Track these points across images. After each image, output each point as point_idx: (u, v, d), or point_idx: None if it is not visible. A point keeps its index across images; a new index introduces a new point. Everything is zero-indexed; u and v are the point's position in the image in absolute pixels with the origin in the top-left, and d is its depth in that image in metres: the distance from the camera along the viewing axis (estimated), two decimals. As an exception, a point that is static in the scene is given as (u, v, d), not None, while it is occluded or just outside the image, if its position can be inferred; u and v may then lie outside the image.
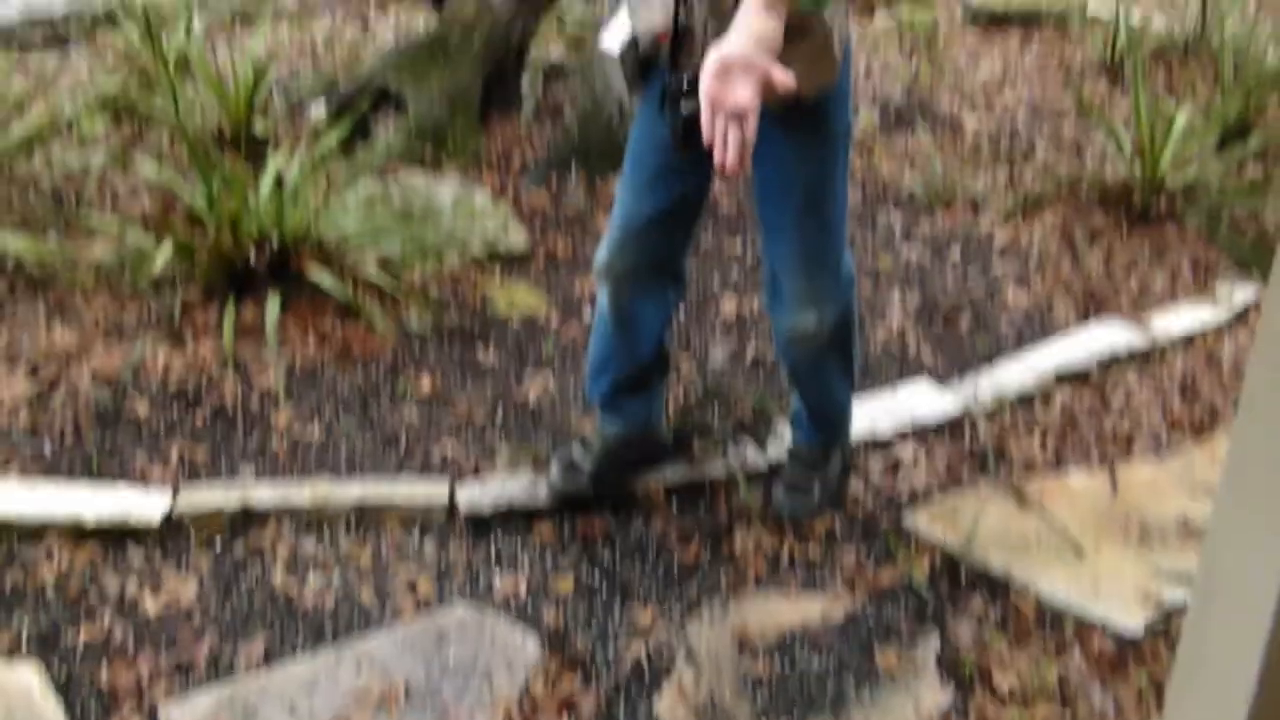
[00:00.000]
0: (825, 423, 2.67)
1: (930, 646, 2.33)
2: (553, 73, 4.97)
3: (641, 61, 2.28)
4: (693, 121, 1.99)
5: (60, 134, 4.14)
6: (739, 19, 1.93)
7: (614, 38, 2.32)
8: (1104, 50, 5.46)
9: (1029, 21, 6.06)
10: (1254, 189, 4.18)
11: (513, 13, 4.46)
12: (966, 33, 5.98)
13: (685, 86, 2.03)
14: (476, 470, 2.79)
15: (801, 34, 2.17)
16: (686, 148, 2.08)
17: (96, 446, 2.82)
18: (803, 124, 2.28)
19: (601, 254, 2.49)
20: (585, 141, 4.10)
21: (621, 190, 2.47)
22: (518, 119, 4.56)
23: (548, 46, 5.19)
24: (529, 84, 4.78)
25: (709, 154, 1.90)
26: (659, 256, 2.48)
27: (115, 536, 2.51)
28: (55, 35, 5.42)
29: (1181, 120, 4.15)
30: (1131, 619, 2.38)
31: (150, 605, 2.37)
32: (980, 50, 5.75)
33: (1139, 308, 3.57)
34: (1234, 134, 4.42)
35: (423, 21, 5.48)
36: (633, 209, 2.43)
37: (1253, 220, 4.07)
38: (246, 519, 2.59)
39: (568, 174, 4.08)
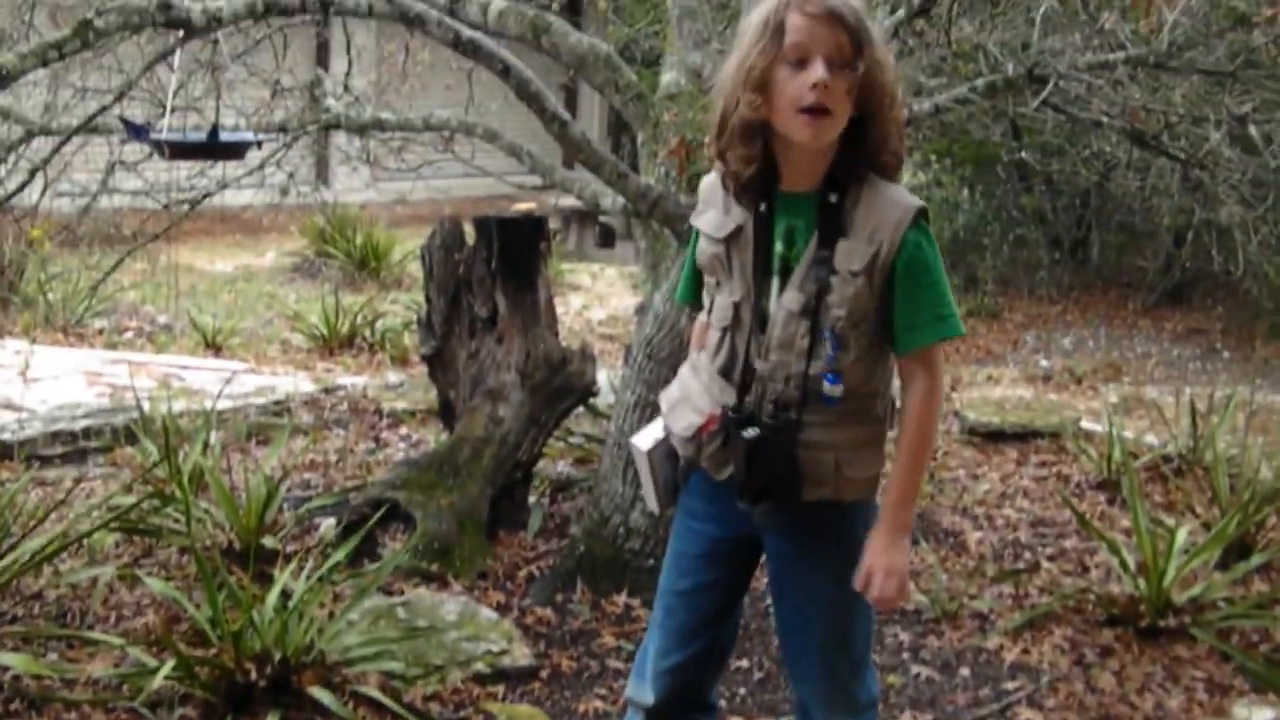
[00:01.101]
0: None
1: None
2: (561, 487, 5.07)
3: (680, 464, 2.40)
4: (757, 449, 2.16)
5: (71, 549, 4.18)
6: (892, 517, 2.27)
7: (646, 437, 2.42)
8: (1100, 466, 5.59)
9: (1025, 437, 6.23)
10: (1262, 606, 4.17)
11: (523, 430, 4.60)
12: (964, 447, 6.14)
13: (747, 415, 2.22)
14: None
15: (860, 419, 2.30)
16: (750, 484, 2.22)
17: None
18: (834, 530, 2.34)
19: (635, 687, 2.50)
20: (591, 558, 4.13)
21: (658, 611, 2.50)
22: (525, 534, 4.61)
23: (556, 461, 5.32)
24: (537, 499, 4.87)
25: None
26: (692, 694, 2.50)
27: None
28: (76, 449, 5.58)
29: (1182, 537, 4.20)
30: None
31: None
32: (979, 465, 5.89)
33: (1157, 730, 3.49)
34: (1236, 550, 4.45)
35: (433, 437, 5.65)
36: (668, 643, 2.46)
37: (1264, 638, 4.04)
38: None
39: (573, 590, 4.08)
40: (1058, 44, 4.58)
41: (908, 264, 2.19)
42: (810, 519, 2.32)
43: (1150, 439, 6.09)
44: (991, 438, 6.23)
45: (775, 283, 2.23)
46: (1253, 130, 4.63)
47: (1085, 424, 6.43)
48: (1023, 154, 8.12)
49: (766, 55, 2.12)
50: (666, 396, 2.42)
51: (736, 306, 2.26)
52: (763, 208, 2.22)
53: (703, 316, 2.43)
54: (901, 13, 4.21)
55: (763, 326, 2.23)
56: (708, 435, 2.28)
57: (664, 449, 2.41)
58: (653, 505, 2.49)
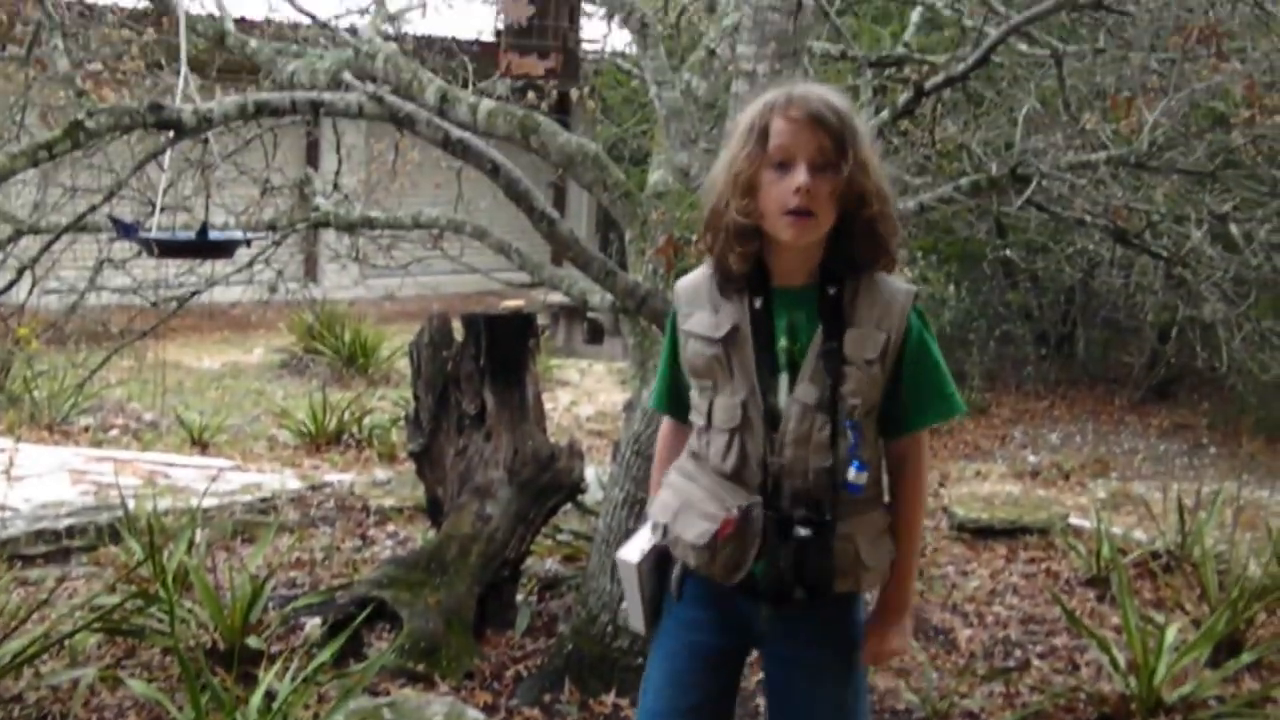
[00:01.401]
0: None
1: None
2: (549, 585, 5.03)
3: (671, 575, 2.36)
4: (805, 548, 2.20)
5: (52, 650, 4.13)
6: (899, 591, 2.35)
7: (633, 550, 2.37)
8: (1088, 562, 5.57)
9: (1014, 533, 6.22)
10: (1253, 704, 4.13)
11: (510, 527, 4.58)
12: (954, 544, 6.12)
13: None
14: None
15: (875, 505, 2.33)
16: (788, 584, 2.23)
17: None
18: (838, 627, 2.35)
19: None
20: (579, 657, 4.08)
21: None
22: (512, 633, 4.56)
23: (544, 559, 5.29)
24: (524, 597, 4.83)
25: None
26: None
27: None
28: (59, 548, 5.52)
29: (1172, 634, 4.18)
30: None
31: None
32: (968, 561, 5.86)
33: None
34: (1226, 648, 4.43)
35: (421, 535, 5.61)
36: None
37: (1258, 737, 4.00)
38: None
39: (561, 690, 4.03)
40: (1040, 144, 4.65)
41: (915, 348, 2.26)
42: (818, 617, 2.32)
43: (1139, 535, 6.07)
44: (980, 534, 6.21)
45: (784, 378, 2.24)
46: (1233, 229, 4.69)
47: (1074, 520, 6.41)
48: (1008, 251, 8.20)
49: (752, 160, 2.17)
50: (663, 507, 2.37)
51: (744, 406, 2.24)
52: (758, 304, 2.24)
53: (666, 423, 2.51)
54: (886, 114, 4.27)
55: (774, 423, 2.23)
56: (723, 540, 2.24)
57: (651, 561, 2.37)
58: (638, 624, 2.43)
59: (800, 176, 2.13)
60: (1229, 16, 4.60)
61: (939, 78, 4.05)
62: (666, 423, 2.52)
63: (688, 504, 2.30)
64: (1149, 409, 10.39)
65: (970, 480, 8.03)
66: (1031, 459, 8.89)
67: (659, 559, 2.37)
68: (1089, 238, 5.46)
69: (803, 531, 2.21)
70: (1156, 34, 4.86)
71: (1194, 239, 4.59)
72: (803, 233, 2.17)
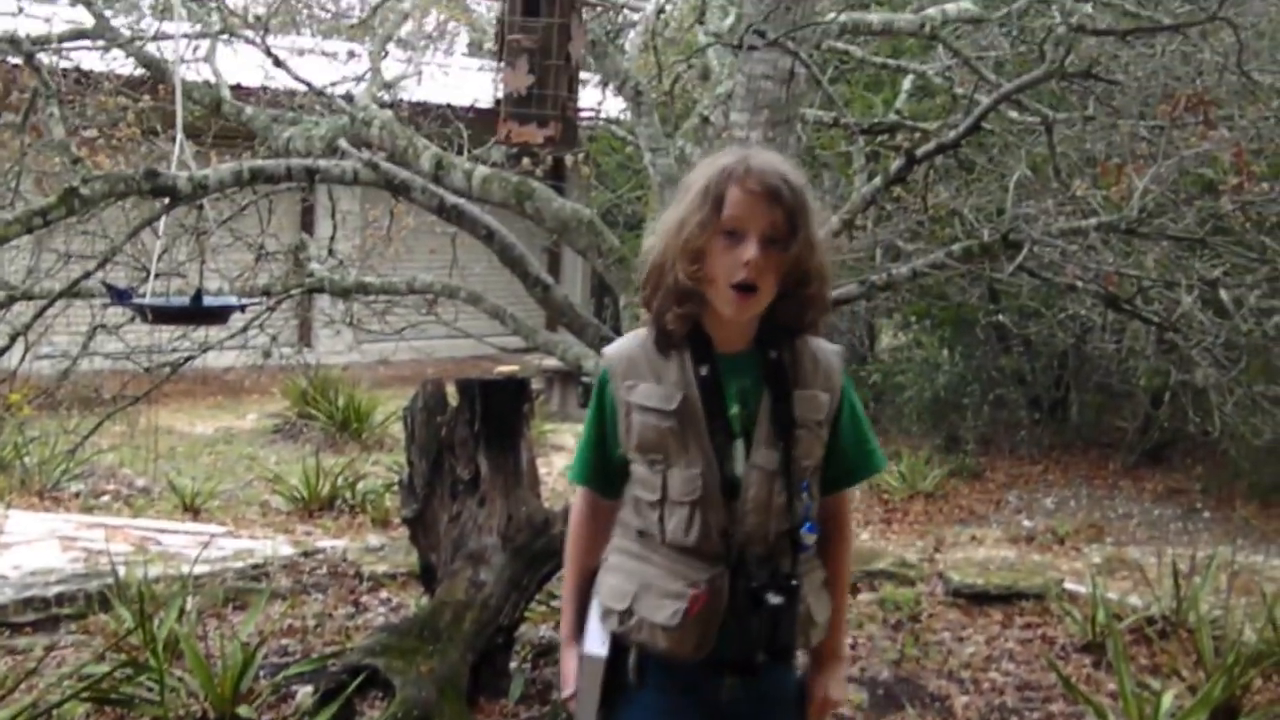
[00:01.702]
0: None
1: None
2: (543, 652, 4.99)
3: (628, 660, 2.27)
4: (780, 614, 2.18)
5: None
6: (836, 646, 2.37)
7: (596, 643, 2.30)
8: (1084, 628, 5.54)
9: (1009, 598, 6.18)
10: (1254, 772, 4.10)
11: (504, 594, 4.55)
12: (949, 609, 6.08)
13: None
14: None
15: (817, 562, 2.33)
16: (766, 648, 2.22)
17: None
18: (788, 684, 2.36)
19: None
20: (573, 725, 4.04)
21: None
22: (506, 700, 4.52)
23: (538, 625, 5.25)
24: (518, 664, 4.79)
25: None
26: None
27: None
28: (48, 616, 5.47)
29: (1168, 701, 4.15)
30: None
31: None
32: (964, 627, 5.83)
33: None
34: (1223, 714, 4.39)
35: (414, 602, 5.57)
36: None
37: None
38: None
39: (554, 759, 3.99)
40: (1031, 210, 4.69)
41: (849, 408, 2.32)
42: (773, 679, 2.31)
43: (1134, 600, 6.04)
44: (976, 599, 6.18)
45: (739, 445, 2.21)
46: (1224, 294, 4.71)
47: (1069, 585, 6.38)
48: (1000, 316, 8.23)
49: (704, 226, 2.15)
50: (616, 592, 2.27)
51: (702, 477, 2.19)
52: (704, 371, 2.20)
53: (586, 498, 2.42)
54: (879, 180, 4.31)
55: (733, 492, 2.20)
56: (694, 616, 2.19)
57: (619, 651, 2.29)
58: (589, 718, 2.32)
59: (750, 250, 2.12)
60: (1216, 85, 4.66)
61: (931, 145, 4.09)
62: (586, 497, 2.43)
63: (646, 585, 2.23)
64: (1143, 473, 10.38)
65: (965, 545, 8.00)
66: (1026, 524, 8.86)
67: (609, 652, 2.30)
68: (1081, 303, 5.48)
69: (775, 599, 2.18)
70: (1145, 102, 4.92)
71: (1185, 304, 4.61)
72: (745, 308, 2.16)
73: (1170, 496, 9.78)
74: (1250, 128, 4.56)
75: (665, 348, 2.23)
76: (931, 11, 5.12)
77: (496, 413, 4.64)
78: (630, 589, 2.25)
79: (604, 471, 2.35)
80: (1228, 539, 7.88)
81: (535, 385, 10.95)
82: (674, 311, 2.18)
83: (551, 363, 11.50)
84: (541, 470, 5.57)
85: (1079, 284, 4.68)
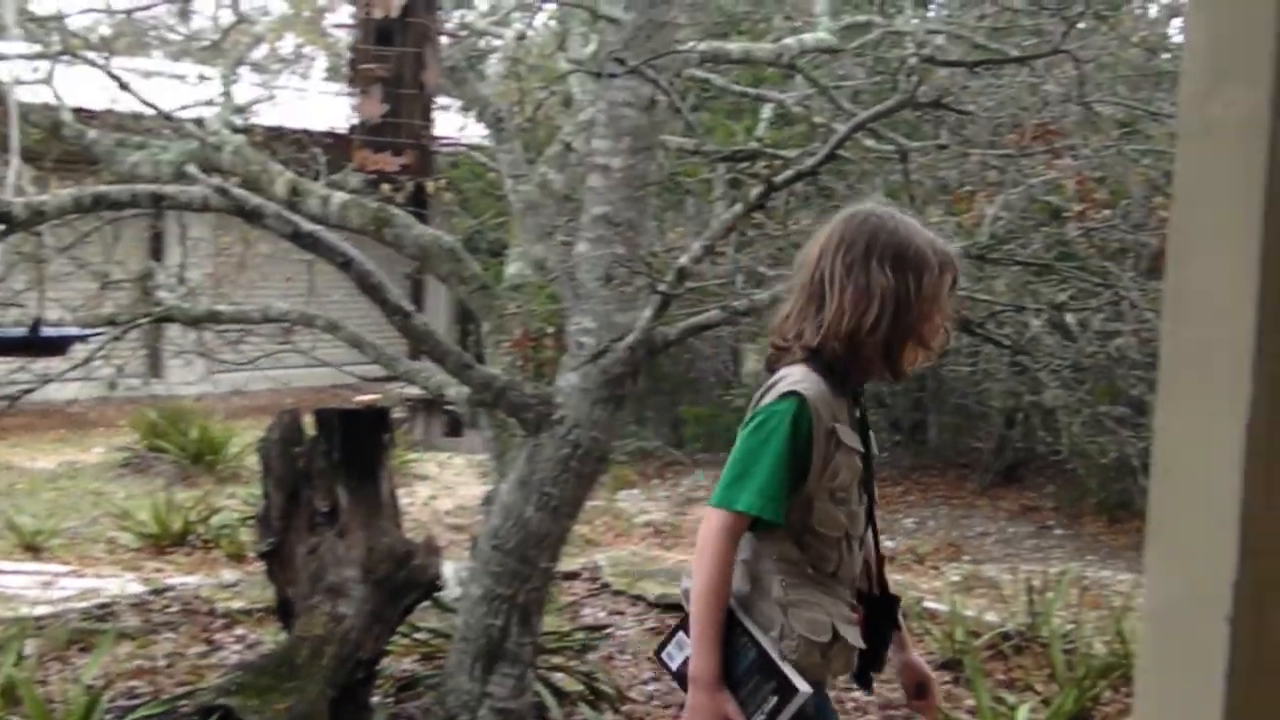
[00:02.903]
0: None
1: None
2: (406, 686, 4.90)
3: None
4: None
5: None
6: None
7: (797, 677, 2.32)
8: (944, 645, 5.63)
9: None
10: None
11: (365, 627, 4.45)
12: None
13: None
14: None
15: None
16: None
17: None
18: None
19: None
20: (436, 760, 3.97)
21: None
22: (366, 738, 4.42)
23: (400, 659, 5.16)
24: (380, 699, 4.69)
25: None
26: None
27: None
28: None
29: (1023, 714, 4.26)
30: None
31: None
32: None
33: None
34: (1077, 726, 4.50)
35: (271, 638, 5.43)
36: None
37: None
38: None
39: (417, 796, 3.91)
40: (887, 236, 4.76)
41: None
42: None
43: (990, 617, 6.17)
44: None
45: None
46: (1069, 318, 4.85)
47: (928, 604, 6.49)
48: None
49: (938, 301, 2.42)
50: (814, 627, 2.35)
51: (865, 515, 2.47)
52: (858, 414, 2.46)
53: (738, 525, 2.34)
54: (739, 207, 4.34)
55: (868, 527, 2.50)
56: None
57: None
58: None
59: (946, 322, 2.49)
60: (1061, 115, 4.80)
61: (790, 172, 4.13)
62: (737, 529, 2.33)
63: (838, 615, 2.39)
64: (999, 492, 10.63)
65: (828, 567, 8.09)
66: (888, 544, 8.99)
67: None
68: (935, 327, 5.58)
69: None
70: (995, 131, 5.05)
71: (1033, 327, 4.73)
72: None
73: (1025, 514, 10.03)
74: (1093, 157, 4.71)
75: (843, 390, 2.41)
76: (789, 41, 5.19)
77: (356, 443, 4.56)
78: (826, 620, 2.37)
79: (781, 503, 2.34)
80: (1078, 555, 8.11)
81: (398, 414, 10.81)
82: (875, 363, 2.39)
83: (414, 391, 11.37)
84: (406, 500, 5.48)
85: (933, 309, 4.75)
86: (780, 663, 2.29)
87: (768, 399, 2.36)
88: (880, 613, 2.52)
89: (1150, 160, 4.87)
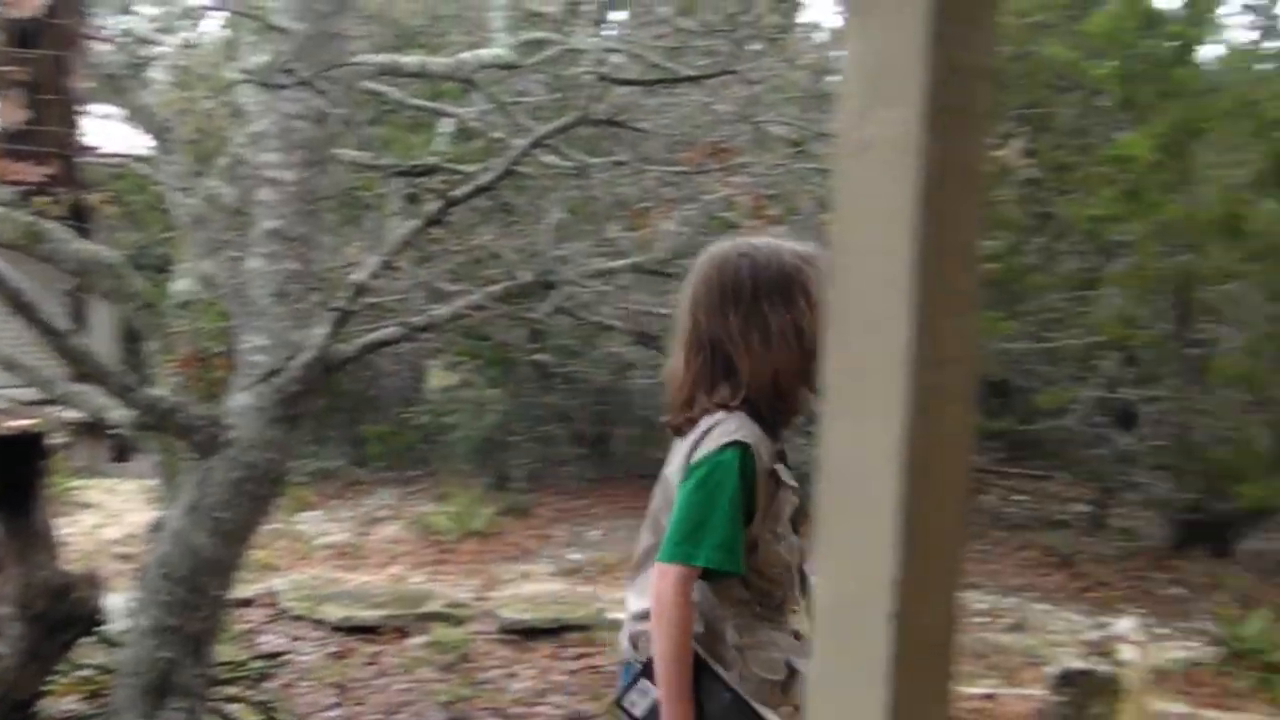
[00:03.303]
0: None
1: None
2: (65, 730, 4.60)
3: None
4: None
5: None
6: None
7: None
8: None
9: (557, 631, 6.31)
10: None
11: (21, 665, 4.16)
12: (500, 646, 6.13)
13: None
14: None
15: None
16: None
17: None
18: None
19: None
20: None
21: None
22: (23, 788, 4.12)
23: (61, 698, 4.84)
24: (37, 746, 4.38)
25: None
26: None
27: None
28: None
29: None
30: None
31: None
32: (515, 663, 5.88)
33: None
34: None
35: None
36: None
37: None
38: None
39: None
40: (567, 252, 4.82)
41: None
42: None
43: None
44: (527, 634, 6.27)
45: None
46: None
47: (614, 615, 6.59)
48: (543, 355, 8.42)
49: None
50: (770, 666, 2.36)
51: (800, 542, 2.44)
52: (779, 448, 2.44)
53: (698, 580, 2.34)
54: (417, 222, 4.30)
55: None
56: None
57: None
58: None
59: None
60: (734, 134, 4.98)
61: (468, 187, 4.12)
62: (689, 580, 2.32)
63: (790, 649, 2.38)
64: (679, 501, 10.90)
65: (516, 582, 8.10)
66: (574, 557, 9.09)
67: None
68: (617, 341, 5.69)
69: None
70: (671, 149, 5.19)
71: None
72: None
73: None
74: (765, 174, 4.91)
75: (774, 432, 2.41)
76: (467, 56, 5.18)
77: (7, 472, 4.25)
78: (780, 658, 2.37)
79: (739, 551, 2.34)
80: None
81: (58, 439, 10.14)
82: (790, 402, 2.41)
83: (75, 415, 10.70)
84: (69, 530, 5.15)
85: (614, 323, 4.85)
86: (753, 702, 2.33)
87: (704, 451, 2.34)
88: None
89: (819, 178, 5.12)
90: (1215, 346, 8.61)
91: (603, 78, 4.27)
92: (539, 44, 5.56)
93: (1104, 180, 8.07)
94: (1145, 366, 9.00)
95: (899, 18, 1.13)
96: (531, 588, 7.85)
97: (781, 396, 2.40)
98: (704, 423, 2.38)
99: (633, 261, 4.65)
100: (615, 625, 6.22)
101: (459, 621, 6.36)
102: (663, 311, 4.55)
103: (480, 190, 4.09)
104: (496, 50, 5.19)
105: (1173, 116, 7.66)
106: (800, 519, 2.48)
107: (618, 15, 8.77)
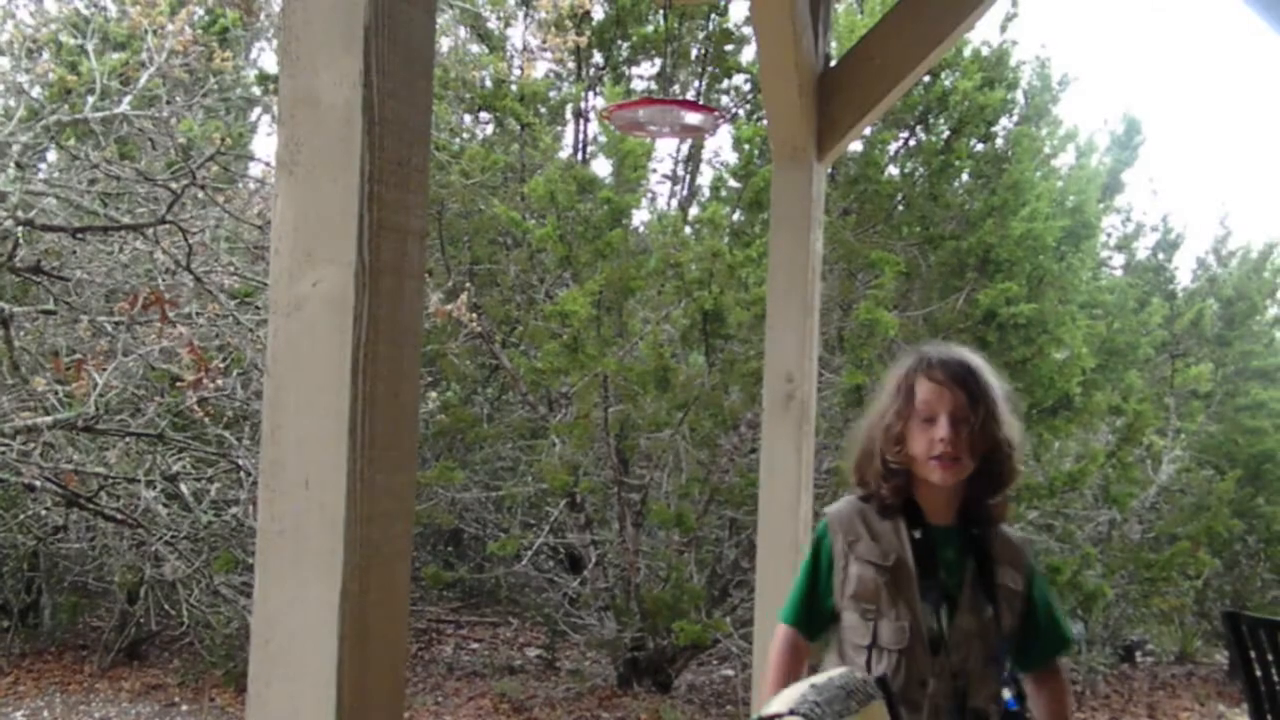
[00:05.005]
0: None
1: None
2: None
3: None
4: None
5: None
6: None
7: None
8: None
9: None
10: None
11: None
12: None
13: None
14: None
15: None
16: None
17: None
18: None
19: None
20: None
21: None
22: None
23: None
24: None
25: None
26: None
27: None
28: None
29: None
30: None
31: None
32: None
33: None
34: None
35: None
36: None
37: None
38: None
39: None
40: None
41: (1041, 588, 2.66)
42: None
43: None
44: None
45: (945, 608, 2.51)
46: (184, 488, 4.80)
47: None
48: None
49: (902, 415, 2.56)
50: None
51: (910, 630, 2.49)
52: (918, 535, 2.54)
53: (788, 634, 2.67)
54: None
55: (935, 649, 2.48)
56: None
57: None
58: None
59: (943, 429, 2.50)
60: (175, 284, 4.81)
61: None
62: (789, 636, 2.69)
63: None
64: (121, 673, 10.12)
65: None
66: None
67: None
68: (42, 503, 5.26)
69: None
70: (108, 298, 4.93)
71: (146, 499, 4.62)
72: (949, 475, 2.52)
73: (148, 693, 9.64)
74: (208, 326, 4.77)
75: (887, 515, 2.57)
76: None
77: None
78: None
79: (809, 613, 2.66)
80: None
81: None
82: (887, 486, 2.56)
83: None
84: None
85: (38, 483, 4.48)
86: None
87: None
88: None
89: (265, 329, 5.04)
90: (652, 491, 9.20)
91: (24, 223, 3.99)
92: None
93: (547, 334, 8.50)
94: (590, 511, 9.46)
95: (330, 180, 1.14)
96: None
97: (867, 478, 2.65)
98: None
99: (59, 418, 4.34)
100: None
101: None
102: (95, 470, 4.27)
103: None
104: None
105: (607, 275, 8.23)
106: (885, 598, 2.56)
107: (50, 157, 8.28)
